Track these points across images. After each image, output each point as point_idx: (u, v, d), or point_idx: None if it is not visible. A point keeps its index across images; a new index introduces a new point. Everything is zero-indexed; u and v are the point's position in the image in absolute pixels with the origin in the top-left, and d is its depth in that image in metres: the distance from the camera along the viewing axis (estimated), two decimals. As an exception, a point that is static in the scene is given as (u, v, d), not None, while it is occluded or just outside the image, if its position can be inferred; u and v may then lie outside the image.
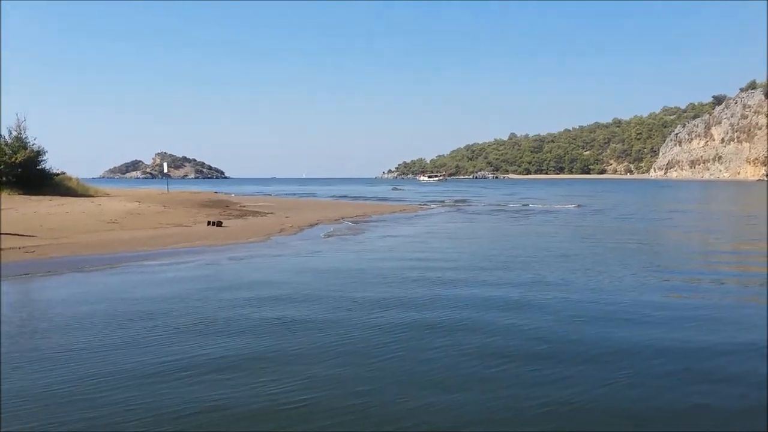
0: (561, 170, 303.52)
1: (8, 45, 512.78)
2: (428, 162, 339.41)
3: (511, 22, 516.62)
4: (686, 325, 8.15)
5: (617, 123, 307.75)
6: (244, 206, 37.18)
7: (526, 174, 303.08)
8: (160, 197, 44.80)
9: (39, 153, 40.84)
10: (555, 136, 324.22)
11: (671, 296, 10.20)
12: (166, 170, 60.61)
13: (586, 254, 15.26)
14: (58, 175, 43.04)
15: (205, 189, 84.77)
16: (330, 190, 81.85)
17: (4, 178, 37.60)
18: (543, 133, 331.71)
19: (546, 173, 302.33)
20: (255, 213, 30.26)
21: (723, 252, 17.18)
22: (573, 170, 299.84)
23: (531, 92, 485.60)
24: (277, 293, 10.04)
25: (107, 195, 46.39)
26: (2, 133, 40.11)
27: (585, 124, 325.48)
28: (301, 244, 17.29)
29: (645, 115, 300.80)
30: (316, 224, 24.17)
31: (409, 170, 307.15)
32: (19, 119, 40.74)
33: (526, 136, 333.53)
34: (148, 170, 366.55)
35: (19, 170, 38.23)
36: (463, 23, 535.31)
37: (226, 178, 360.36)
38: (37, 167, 40.59)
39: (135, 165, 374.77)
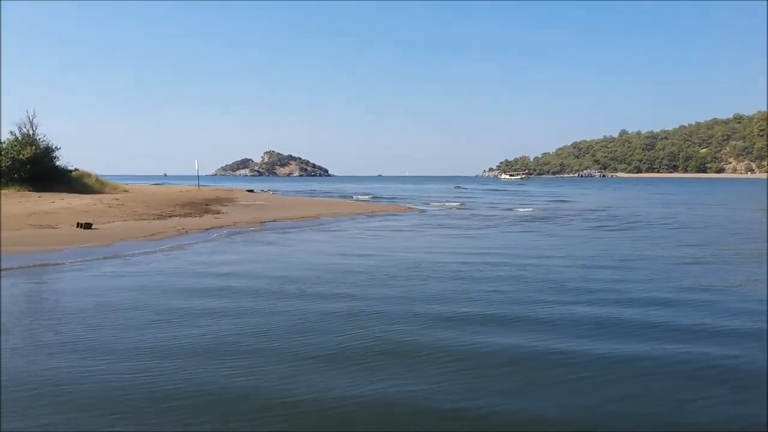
0: (674, 169, 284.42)
1: (134, 53, 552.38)
2: (531, 160, 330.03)
3: (621, 13, 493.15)
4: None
5: (738, 119, 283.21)
6: (226, 205, 36.06)
7: (637, 173, 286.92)
8: (162, 196, 44.69)
9: (49, 150, 41.57)
10: (669, 133, 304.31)
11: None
12: (194, 168, 60.44)
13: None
14: (71, 171, 43.66)
15: (269, 186, 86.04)
16: (388, 189, 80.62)
17: (15, 175, 38.49)
18: (656, 129, 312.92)
19: (658, 172, 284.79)
20: (203, 212, 28.99)
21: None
22: (688, 169, 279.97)
23: (645, 86, 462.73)
24: None
25: (126, 191, 46.97)
26: (12, 131, 41.05)
27: (702, 120, 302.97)
28: (133, 251, 15.56)
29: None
30: (219, 228, 22.32)
31: (511, 168, 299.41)
32: (29, 116, 41.66)
33: (638, 132, 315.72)
34: (256, 168, 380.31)
35: (28, 167, 38.85)
36: (570, 16, 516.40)
37: (329, 176, 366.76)
38: (49, 164, 41.38)
39: (245, 163, 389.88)
